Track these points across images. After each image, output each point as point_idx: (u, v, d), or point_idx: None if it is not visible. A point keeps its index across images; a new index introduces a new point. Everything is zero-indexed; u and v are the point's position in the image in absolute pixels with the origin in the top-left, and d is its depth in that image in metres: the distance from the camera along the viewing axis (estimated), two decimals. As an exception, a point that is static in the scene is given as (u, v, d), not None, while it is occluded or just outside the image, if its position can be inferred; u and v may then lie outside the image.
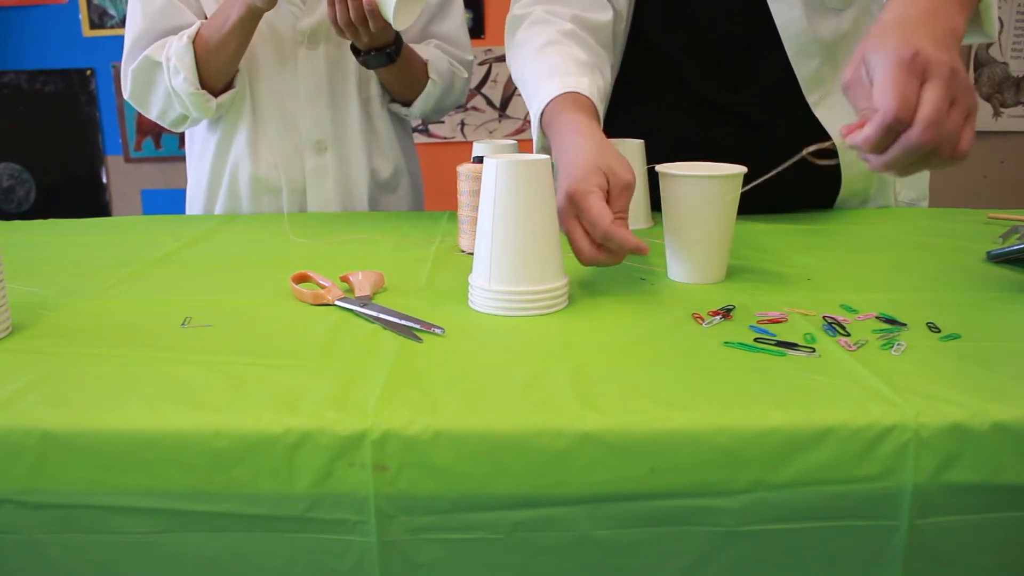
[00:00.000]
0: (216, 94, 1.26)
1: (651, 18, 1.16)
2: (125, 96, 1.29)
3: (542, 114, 0.95)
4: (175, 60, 1.20)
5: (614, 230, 0.74)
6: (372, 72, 1.33)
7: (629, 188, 0.79)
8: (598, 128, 0.89)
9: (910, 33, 0.64)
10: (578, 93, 0.93)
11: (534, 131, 0.99)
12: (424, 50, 1.33)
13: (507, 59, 1.12)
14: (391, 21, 1.11)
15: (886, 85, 0.62)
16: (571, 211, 0.78)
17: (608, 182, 0.78)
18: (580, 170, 0.79)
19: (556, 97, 0.93)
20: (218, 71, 1.23)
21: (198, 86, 1.22)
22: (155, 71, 1.24)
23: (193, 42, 1.20)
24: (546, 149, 0.97)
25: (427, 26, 1.38)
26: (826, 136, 1.14)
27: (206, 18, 1.28)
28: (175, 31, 1.26)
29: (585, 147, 0.82)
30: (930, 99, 0.61)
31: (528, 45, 1.05)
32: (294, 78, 1.30)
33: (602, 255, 0.77)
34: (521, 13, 1.10)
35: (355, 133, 1.35)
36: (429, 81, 1.32)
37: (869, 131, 0.62)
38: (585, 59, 1.00)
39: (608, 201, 0.77)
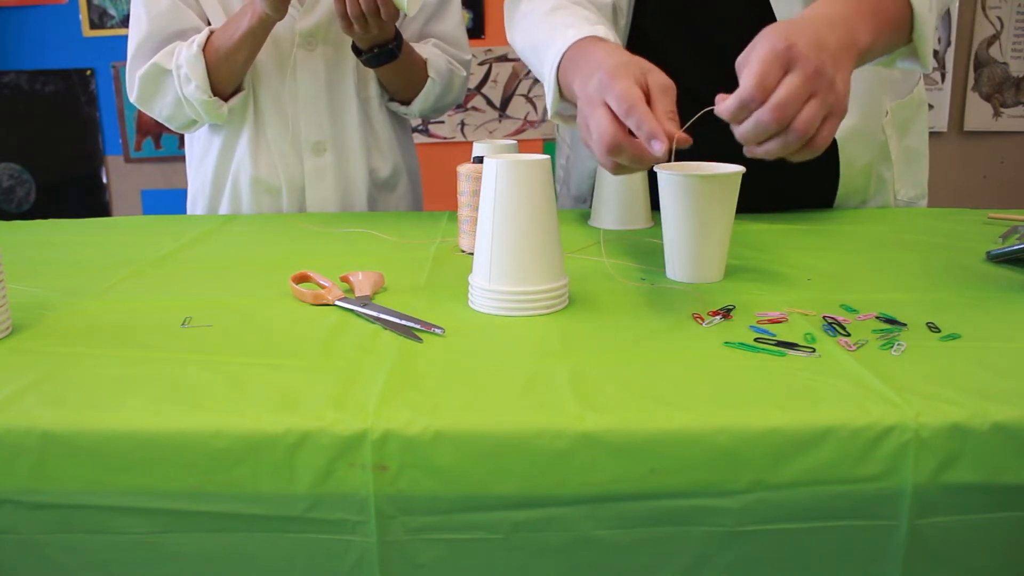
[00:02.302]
0: (226, 99, 1.26)
1: (651, 18, 1.16)
2: (132, 99, 1.30)
3: (559, 65, 0.88)
4: (186, 68, 1.21)
5: (641, 107, 0.69)
6: (370, 72, 1.33)
7: (670, 90, 0.73)
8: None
9: (799, 30, 0.69)
10: (596, 37, 0.89)
11: (549, 89, 0.92)
12: (423, 49, 1.34)
13: (510, 35, 1.09)
14: (404, 6, 1.12)
15: (752, 67, 0.67)
16: (597, 98, 0.73)
17: (647, 82, 0.73)
18: (610, 65, 0.74)
19: (576, 42, 0.87)
20: (229, 78, 1.24)
21: (210, 93, 1.23)
22: (164, 78, 1.25)
23: (203, 50, 1.20)
24: (562, 115, 0.94)
25: (425, 26, 1.39)
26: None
27: (208, 22, 1.28)
28: (180, 34, 1.26)
29: (617, 54, 0.78)
30: (784, 85, 0.67)
31: (535, 13, 1.02)
32: (292, 80, 1.30)
33: (623, 140, 0.70)
34: None
35: (354, 134, 1.35)
36: (428, 79, 1.32)
37: (728, 102, 0.68)
38: (596, 19, 0.97)
39: (648, 103, 0.72)
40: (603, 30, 0.91)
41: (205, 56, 1.21)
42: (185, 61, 1.21)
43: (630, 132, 0.71)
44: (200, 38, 1.21)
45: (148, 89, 1.27)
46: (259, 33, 1.20)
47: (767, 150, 0.69)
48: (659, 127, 0.69)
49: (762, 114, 0.66)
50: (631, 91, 0.71)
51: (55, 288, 0.84)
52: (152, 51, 1.26)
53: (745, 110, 0.67)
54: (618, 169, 0.74)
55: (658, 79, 0.74)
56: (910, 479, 0.52)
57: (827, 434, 0.52)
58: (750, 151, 0.70)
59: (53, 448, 0.53)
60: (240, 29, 1.18)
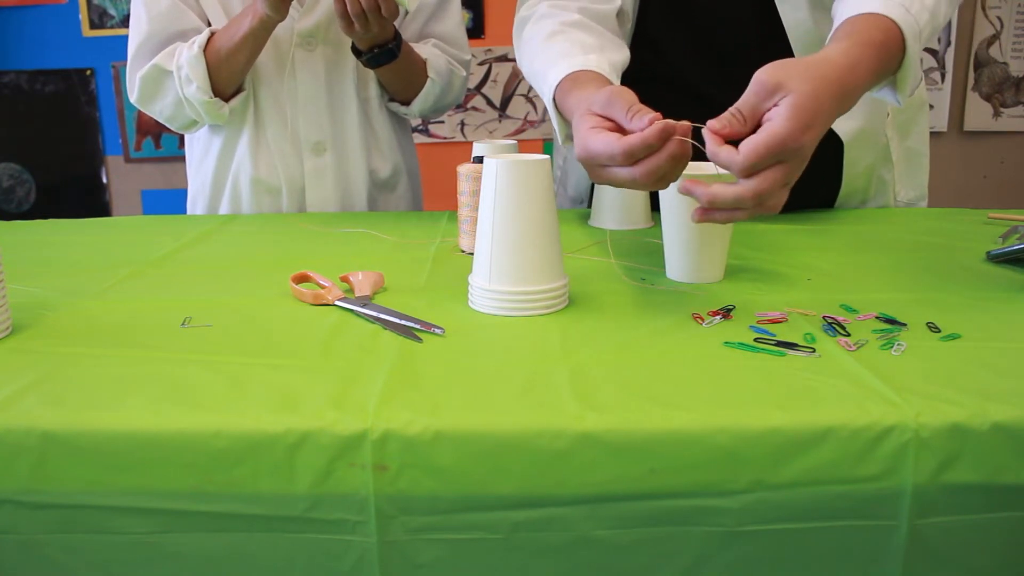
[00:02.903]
0: (227, 99, 1.26)
1: (654, 20, 1.16)
2: (132, 100, 1.30)
3: (555, 100, 0.91)
4: (187, 69, 1.21)
5: (632, 143, 0.68)
6: (370, 73, 1.33)
7: (615, 96, 0.73)
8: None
9: (823, 113, 0.68)
10: (585, 70, 0.90)
11: (554, 121, 0.95)
12: (422, 49, 1.34)
13: (517, 60, 1.11)
14: (405, 2, 1.12)
15: (756, 147, 0.66)
16: (594, 168, 0.74)
17: (596, 110, 0.74)
18: (577, 134, 0.75)
19: (563, 79, 0.90)
20: (229, 79, 1.24)
21: (211, 94, 1.23)
22: (165, 79, 1.25)
23: (204, 51, 1.21)
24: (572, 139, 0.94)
25: (425, 26, 1.39)
26: (831, 136, 1.14)
27: (208, 23, 1.28)
28: (181, 35, 1.26)
29: (576, 110, 0.79)
30: (769, 177, 0.67)
31: (534, 40, 1.04)
32: (292, 80, 1.30)
33: (653, 164, 0.69)
34: (527, 14, 1.10)
35: (353, 134, 1.35)
36: (428, 80, 1.32)
37: (720, 154, 0.68)
38: (592, 42, 0.99)
39: (611, 121, 0.73)
40: (594, 59, 0.92)
41: (206, 57, 1.21)
42: (186, 62, 1.21)
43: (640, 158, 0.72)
44: (201, 39, 1.21)
45: (149, 90, 1.27)
46: (260, 35, 1.20)
47: (730, 217, 0.70)
48: (654, 129, 0.68)
49: (745, 199, 0.67)
50: (607, 144, 0.70)
51: (55, 288, 0.84)
52: (152, 52, 1.26)
53: (725, 166, 0.68)
54: (663, 182, 0.73)
55: (599, 100, 0.74)
56: (910, 479, 0.52)
57: (827, 434, 0.52)
58: (705, 216, 0.70)
59: (53, 448, 0.53)
60: (241, 30, 1.19)
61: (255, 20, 1.17)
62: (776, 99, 0.68)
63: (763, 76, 0.69)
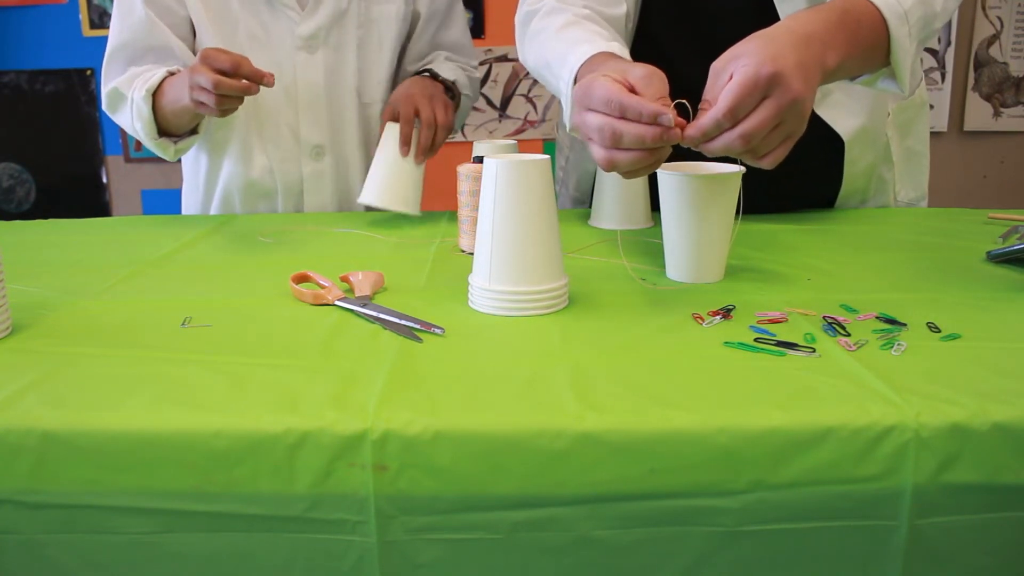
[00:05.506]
0: (180, 137, 1.23)
1: (656, 19, 1.16)
2: (103, 107, 1.28)
3: (575, 81, 0.88)
4: (136, 107, 1.18)
5: (631, 101, 0.68)
6: (370, 76, 1.34)
7: (653, 77, 0.72)
8: None
9: (783, 49, 0.70)
10: (610, 52, 0.89)
11: (566, 106, 0.90)
12: (443, 68, 1.34)
13: (521, 54, 1.10)
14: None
15: (731, 92, 0.68)
16: (580, 107, 0.73)
17: (627, 79, 0.73)
18: (593, 75, 0.74)
19: (589, 58, 0.87)
20: (177, 129, 1.21)
21: (156, 136, 1.20)
22: (122, 102, 1.23)
23: (153, 95, 1.17)
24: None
25: (435, 36, 1.40)
26: (831, 135, 1.14)
27: (193, 31, 1.27)
28: (150, 49, 1.24)
29: (611, 65, 0.79)
30: (757, 115, 0.69)
31: (546, 31, 1.03)
32: (292, 84, 1.30)
33: (624, 126, 0.69)
34: (533, 8, 1.09)
35: (352, 137, 1.35)
36: (463, 96, 1.36)
37: (703, 121, 0.70)
38: (607, 35, 0.98)
39: (635, 92, 0.72)
40: (617, 47, 0.91)
41: (153, 101, 1.17)
42: (135, 100, 1.18)
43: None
44: (152, 83, 1.16)
45: (111, 106, 1.25)
46: (197, 114, 1.15)
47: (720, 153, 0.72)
48: (656, 105, 0.69)
49: (732, 140, 0.69)
50: (611, 89, 0.70)
51: (55, 288, 0.84)
52: (123, 62, 1.25)
53: (717, 130, 0.70)
54: (627, 171, 0.73)
55: (638, 72, 0.74)
56: (910, 479, 0.52)
57: (827, 434, 0.52)
58: (705, 149, 0.72)
59: (53, 448, 0.53)
60: (179, 102, 1.13)
61: (189, 102, 1.07)
62: (730, 68, 0.70)
63: (714, 64, 0.72)
